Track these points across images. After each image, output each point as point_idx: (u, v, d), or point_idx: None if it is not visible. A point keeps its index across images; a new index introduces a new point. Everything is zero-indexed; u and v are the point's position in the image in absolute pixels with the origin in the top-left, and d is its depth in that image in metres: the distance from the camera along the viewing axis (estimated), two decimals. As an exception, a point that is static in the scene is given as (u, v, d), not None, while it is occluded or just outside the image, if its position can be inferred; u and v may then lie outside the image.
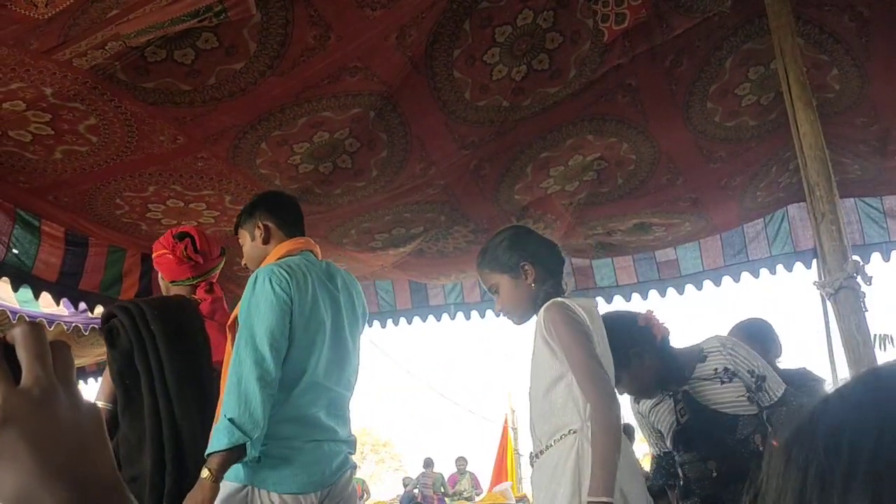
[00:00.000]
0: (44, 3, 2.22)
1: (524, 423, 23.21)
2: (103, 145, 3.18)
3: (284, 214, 2.79)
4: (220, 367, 2.66)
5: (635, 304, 6.07)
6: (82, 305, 4.15)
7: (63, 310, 5.40)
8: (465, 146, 3.74)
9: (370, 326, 6.50)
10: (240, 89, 2.93)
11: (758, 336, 3.53)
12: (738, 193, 4.59)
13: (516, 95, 3.47)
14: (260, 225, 2.75)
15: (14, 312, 5.23)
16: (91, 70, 2.65)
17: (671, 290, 5.75)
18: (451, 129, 3.57)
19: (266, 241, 2.73)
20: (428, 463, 14.69)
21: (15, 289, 3.78)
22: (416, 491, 14.41)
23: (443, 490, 14.06)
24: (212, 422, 2.46)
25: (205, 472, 2.24)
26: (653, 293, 5.81)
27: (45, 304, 5.18)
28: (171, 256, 3.02)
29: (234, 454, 2.27)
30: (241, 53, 2.75)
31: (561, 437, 2.25)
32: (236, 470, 2.33)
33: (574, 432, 2.22)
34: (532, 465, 2.41)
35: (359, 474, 18.62)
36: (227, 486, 2.32)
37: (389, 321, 6.40)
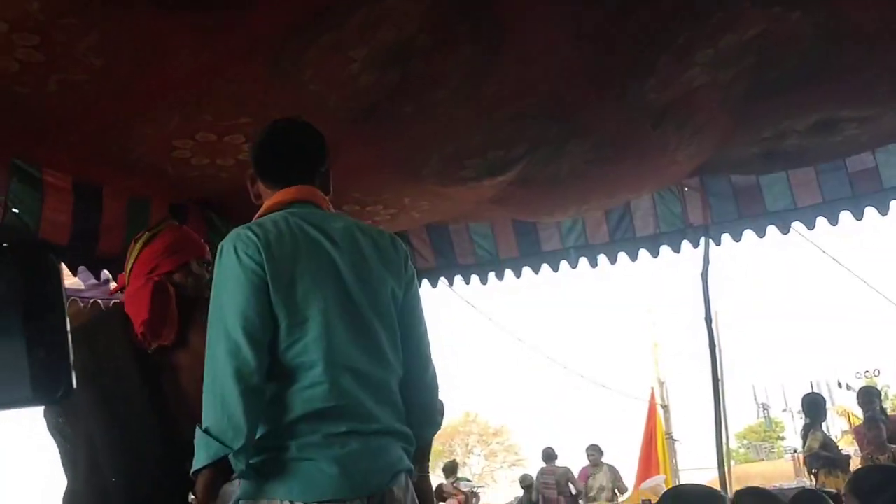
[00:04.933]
0: None
1: (676, 398, 22.99)
2: (109, 70, 3.24)
3: (266, 160, 2.75)
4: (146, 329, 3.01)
5: (821, 232, 5.91)
6: (105, 274, 4.30)
7: (78, 282, 5.61)
8: (580, 35, 3.66)
9: (466, 283, 6.55)
10: (277, -19, 2.94)
11: None
12: (960, 69, 4.36)
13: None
14: (249, 176, 2.80)
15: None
16: (86, -29, 2.69)
17: (870, 211, 5.57)
18: (555, 9, 3.50)
19: (258, 198, 2.76)
20: (548, 455, 14.70)
21: (19, 258, 3.94)
22: (534, 493, 14.54)
23: (571, 488, 14.12)
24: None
25: (191, 497, 2.33)
26: (845, 216, 5.64)
27: (58, 277, 5.39)
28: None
29: (221, 471, 2.32)
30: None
31: None
32: (255, 482, 2.37)
33: None
34: None
35: (464, 472, 18.90)
36: None
37: (491, 275, 6.43)
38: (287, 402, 2.39)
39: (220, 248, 2.49)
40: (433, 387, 2.73)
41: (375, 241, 2.66)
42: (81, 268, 4.33)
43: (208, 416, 2.31)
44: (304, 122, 2.82)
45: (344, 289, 2.52)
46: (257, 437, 2.36)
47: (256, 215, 2.67)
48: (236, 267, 2.41)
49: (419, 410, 2.63)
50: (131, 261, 3.21)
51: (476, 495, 15.48)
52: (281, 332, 2.41)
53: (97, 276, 4.38)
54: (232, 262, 2.42)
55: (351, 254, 2.57)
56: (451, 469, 15.89)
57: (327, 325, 2.44)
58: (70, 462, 3.07)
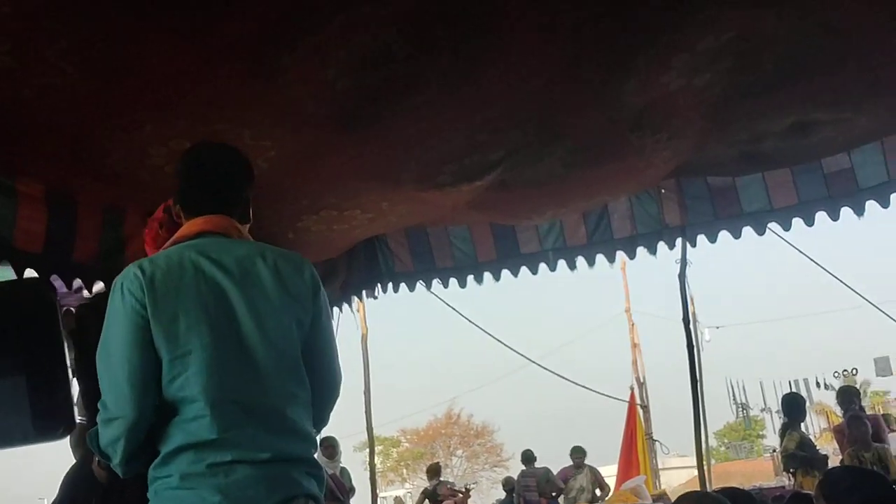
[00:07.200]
0: None
1: (655, 399, 23.04)
2: (82, 75, 3.20)
3: (184, 189, 2.73)
4: None
5: (797, 233, 5.92)
6: (77, 282, 4.25)
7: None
8: (559, 39, 3.64)
9: (445, 286, 6.52)
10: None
11: None
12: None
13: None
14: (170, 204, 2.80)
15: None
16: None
17: (846, 211, 5.58)
18: (534, 14, 3.48)
19: (178, 217, 2.73)
20: (527, 458, 14.76)
21: (-7, 266, 3.89)
22: (515, 497, 14.56)
23: (550, 488, 14.14)
24: None
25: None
26: (821, 216, 5.65)
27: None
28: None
29: None
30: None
31: None
32: None
33: None
34: None
35: (446, 474, 18.89)
36: None
37: (470, 278, 6.40)
38: (171, 433, 2.45)
39: (112, 283, 2.54)
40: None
41: (279, 269, 2.62)
42: (53, 276, 4.29)
43: (99, 434, 2.51)
44: (230, 147, 2.83)
45: (233, 321, 2.52)
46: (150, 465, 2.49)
47: (164, 245, 2.66)
48: (120, 305, 2.46)
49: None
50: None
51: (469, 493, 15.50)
52: (164, 366, 2.45)
53: (69, 285, 4.32)
54: (117, 299, 2.47)
55: (246, 284, 2.56)
56: (434, 471, 15.83)
57: (210, 359, 2.46)
58: None
